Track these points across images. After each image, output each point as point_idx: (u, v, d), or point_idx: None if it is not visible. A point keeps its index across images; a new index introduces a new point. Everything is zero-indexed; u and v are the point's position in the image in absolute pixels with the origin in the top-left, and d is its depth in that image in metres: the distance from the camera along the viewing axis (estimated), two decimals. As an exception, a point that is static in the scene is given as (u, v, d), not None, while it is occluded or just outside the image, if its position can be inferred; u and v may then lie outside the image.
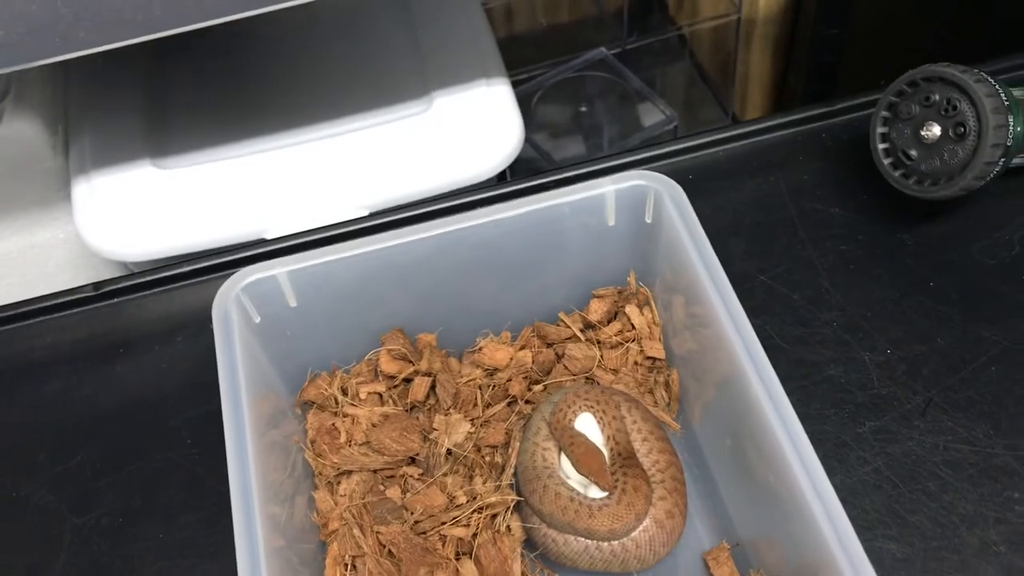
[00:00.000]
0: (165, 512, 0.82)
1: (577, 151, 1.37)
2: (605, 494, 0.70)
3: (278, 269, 0.75)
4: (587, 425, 0.74)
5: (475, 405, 0.79)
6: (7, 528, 0.82)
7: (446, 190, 0.98)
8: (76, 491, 0.84)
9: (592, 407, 0.75)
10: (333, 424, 0.78)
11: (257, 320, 0.76)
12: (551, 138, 1.37)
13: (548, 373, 0.81)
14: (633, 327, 0.82)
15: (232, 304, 0.73)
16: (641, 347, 0.81)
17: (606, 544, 0.70)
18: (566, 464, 0.74)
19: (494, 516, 0.73)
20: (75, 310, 0.95)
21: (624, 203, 0.78)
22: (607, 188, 0.77)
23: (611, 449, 0.73)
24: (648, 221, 0.79)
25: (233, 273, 0.75)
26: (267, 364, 0.79)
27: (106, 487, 0.84)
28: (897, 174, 0.84)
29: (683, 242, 0.73)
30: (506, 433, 0.77)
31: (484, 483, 0.74)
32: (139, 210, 0.97)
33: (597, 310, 0.82)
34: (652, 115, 1.35)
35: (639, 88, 1.35)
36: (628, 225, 0.80)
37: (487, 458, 0.77)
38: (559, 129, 1.38)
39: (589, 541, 0.70)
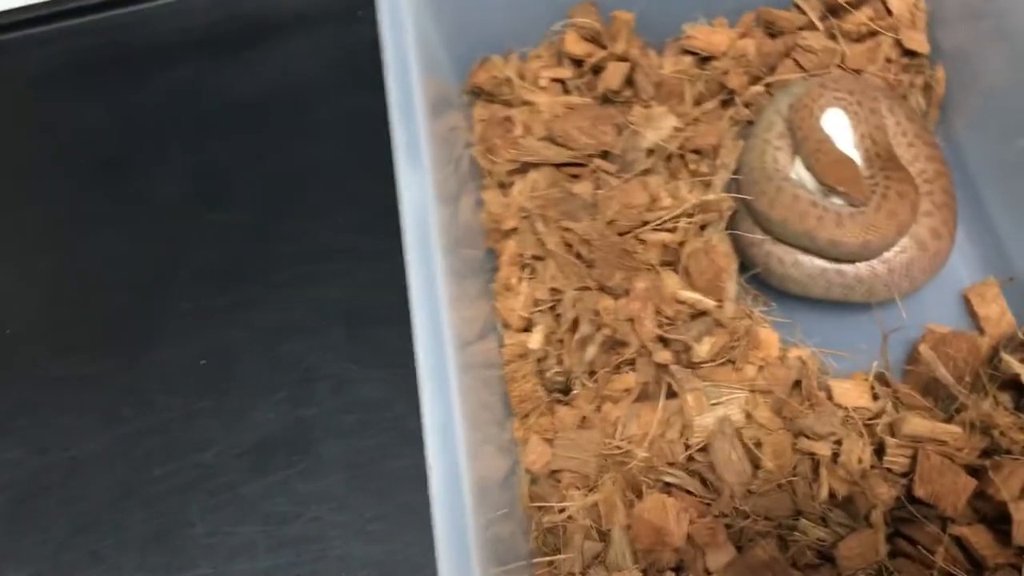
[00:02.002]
0: (306, 212, 0.72)
1: None
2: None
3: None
4: (836, 123, 0.59)
5: (682, 100, 0.64)
6: (138, 221, 0.74)
7: None
8: (211, 185, 0.74)
9: (844, 101, 0.59)
10: (507, 116, 0.65)
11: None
12: None
13: (773, 70, 0.65)
14: (889, 13, 0.64)
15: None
16: (898, 38, 0.63)
17: (850, 266, 0.56)
18: (801, 171, 0.59)
19: (704, 226, 0.59)
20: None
21: None
22: None
23: (866, 150, 0.57)
24: None
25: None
26: (436, 41, 0.65)
27: (243, 183, 0.74)
28: None
29: None
30: (719, 136, 0.62)
31: (691, 190, 0.60)
32: None
33: (842, -8, 0.64)
34: None
35: None
36: None
37: (692, 165, 0.62)
38: None
39: (828, 262, 0.56)
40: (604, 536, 0.53)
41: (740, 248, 0.59)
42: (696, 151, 0.62)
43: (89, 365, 0.68)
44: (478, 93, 0.67)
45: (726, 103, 0.65)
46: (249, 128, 0.76)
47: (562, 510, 0.53)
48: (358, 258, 0.69)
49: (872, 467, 0.51)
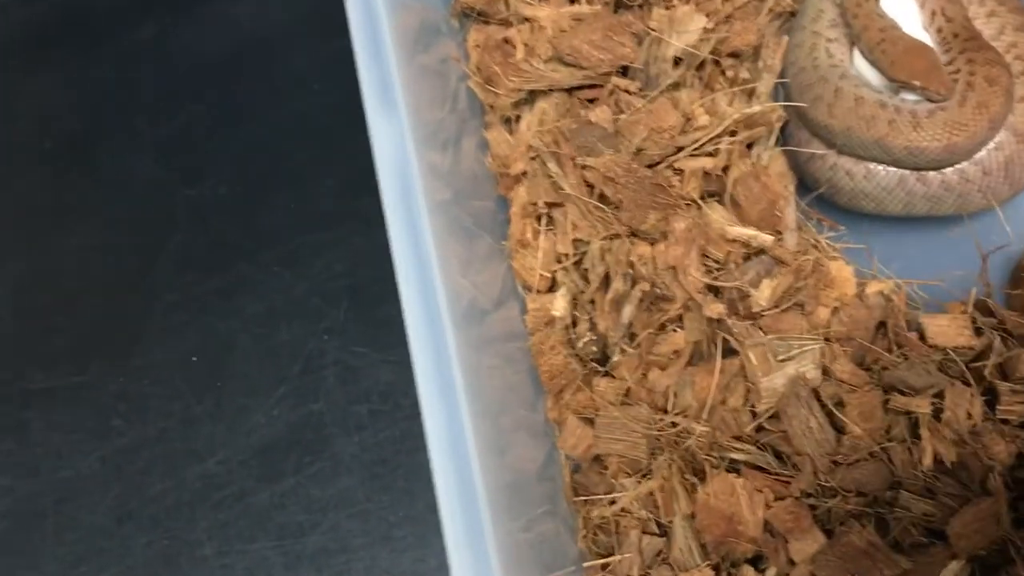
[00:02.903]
0: (294, 176, 0.63)
1: None
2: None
3: None
4: (899, 3, 0.48)
5: (712, -8, 0.53)
6: (112, 207, 0.66)
7: None
8: (186, 158, 0.66)
9: None
10: (504, 37, 0.55)
11: None
12: None
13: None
14: None
15: None
16: None
17: (935, 173, 0.46)
18: (862, 64, 0.48)
19: (750, 144, 0.49)
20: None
21: None
22: None
23: (939, 31, 0.47)
24: None
25: None
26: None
27: (220, 151, 0.65)
28: None
29: None
30: (759, 33, 0.51)
31: (731, 103, 0.50)
32: None
33: None
34: None
35: None
36: None
37: (729, 72, 0.52)
38: None
39: (907, 171, 0.46)
40: (665, 530, 0.44)
41: (797, 165, 0.50)
42: (733, 54, 0.52)
43: (75, 374, 0.61)
44: (469, 15, 0.57)
45: (764, -7, 0.54)
46: (220, 88, 0.67)
47: (612, 502, 0.45)
48: (356, 224, 0.60)
49: (984, 421, 0.42)
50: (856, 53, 0.49)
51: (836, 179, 0.48)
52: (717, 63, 0.52)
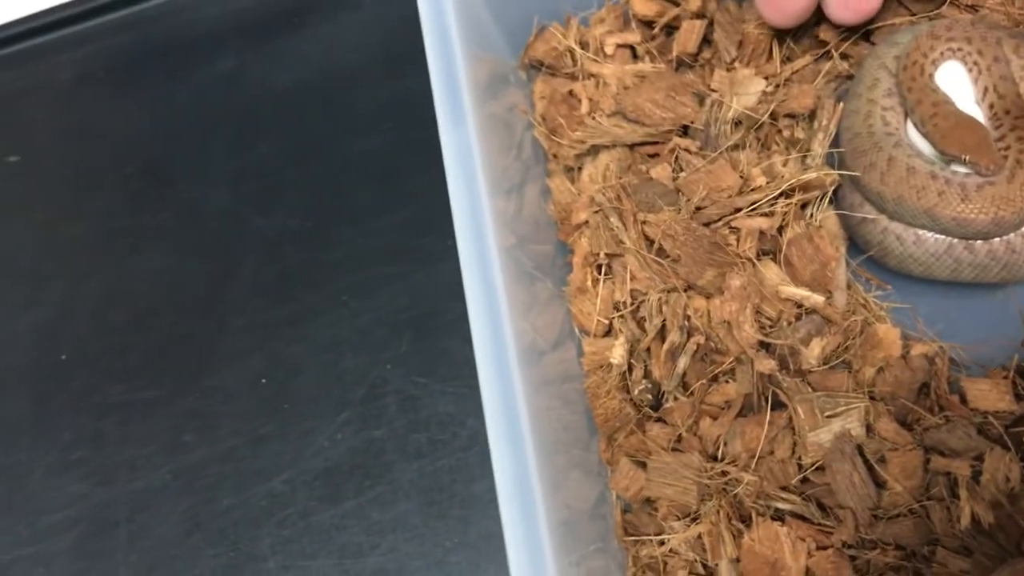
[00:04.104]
0: (360, 212, 0.66)
1: None
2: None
3: None
4: (953, 78, 0.50)
5: (770, 58, 0.56)
6: (187, 233, 0.69)
7: None
8: (258, 189, 0.69)
9: (960, 51, 0.50)
10: (570, 91, 0.58)
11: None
12: None
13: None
14: (1011, -66, 0.54)
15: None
16: (1024, -37, 0.54)
17: (982, 243, 0.48)
18: (915, 135, 0.50)
19: (805, 205, 0.52)
20: (240, -27, 0.77)
21: None
22: None
23: (991, 106, 0.49)
24: None
25: None
26: (485, 14, 0.58)
27: (291, 184, 0.69)
28: None
29: None
30: (815, 97, 0.54)
31: (785, 164, 0.52)
32: None
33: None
34: None
35: None
36: None
37: (785, 132, 0.55)
38: None
39: (956, 239, 0.48)
40: (710, 571, 0.47)
41: (849, 227, 0.52)
42: (789, 115, 0.55)
43: (149, 389, 0.65)
44: (537, 67, 0.60)
45: (820, 58, 0.56)
46: (292, 123, 0.70)
47: (662, 543, 0.48)
48: (417, 260, 0.63)
49: (1022, 484, 0.44)
50: (909, 123, 0.51)
51: (887, 243, 0.50)
52: (774, 123, 0.55)
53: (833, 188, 0.51)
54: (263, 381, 0.63)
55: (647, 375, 0.50)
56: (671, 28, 0.58)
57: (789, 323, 0.48)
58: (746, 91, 0.53)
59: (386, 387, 0.61)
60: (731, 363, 0.48)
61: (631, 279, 0.51)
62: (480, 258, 0.46)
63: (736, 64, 0.55)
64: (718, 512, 0.47)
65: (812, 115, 0.54)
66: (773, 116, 0.54)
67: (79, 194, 0.73)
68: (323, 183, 0.68)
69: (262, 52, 0.73)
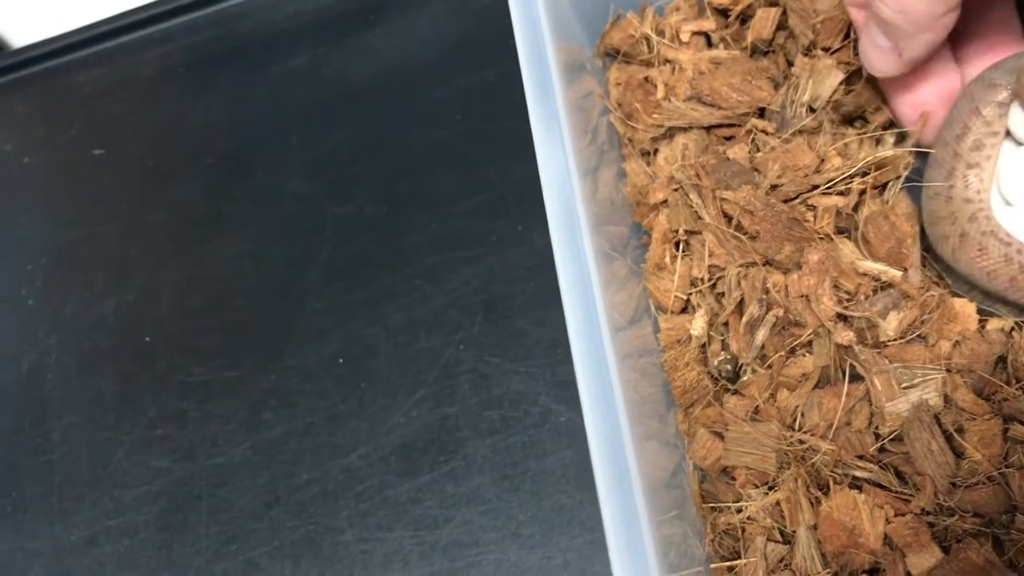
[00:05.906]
0: (434, 199, 0.68)
1: None
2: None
3: None
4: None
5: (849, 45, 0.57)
6: (265, 220, 0.72)
7: None
8: (334, 178, 0.71)
9: None
10: (646, 76, 0.60)
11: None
12: None
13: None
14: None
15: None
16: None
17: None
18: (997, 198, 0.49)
19: (883, 186, 0.53)
20: (316, -27, 0.80)
21: None
22: None
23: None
24: None
25: None
26: (565, 3, 0.60)
27: (366, 172, 0.71)
28: None
29: None
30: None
31: (860, 144, 0.53)
32: None
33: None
34: None
35: None
36: None
37: (857, 123, 0.56)
38: None
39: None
40: (788, 538, 0.48)
41: (921, 220, 0.52)
42: (861, 116, 0.56)
43: (229, 370, 0.67)
44: (613, 55, 0.62)
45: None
46: (367, 114, 0.73)
47: (740, 510, 0.49)
48: (489, 244, 0.65)
49: (1103, 453, 0.45)
50: (1004, 179, 0.48)
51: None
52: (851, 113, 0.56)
53: (907, 171, 0.52)
54: (340, 361, 0.65)
55: (725, 348, 0.51)
56: (746, 16, 0.59)
57: (866, 296, 0.49)
58: (823, 80, 0.54)
59: (459, 367, 0.62)
60: (809, 336, 0.49)
61: (709, 255, 0.52)
62: (570, 229, 0.47)
63: (818, 51, 0.56)
64: (796, 480, 0.48)
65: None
66: (839, 108, 0.55)
67: (160, 184, 0.76)
68: (397, 172, 0.70)
69: (337, 47, 0.76)
